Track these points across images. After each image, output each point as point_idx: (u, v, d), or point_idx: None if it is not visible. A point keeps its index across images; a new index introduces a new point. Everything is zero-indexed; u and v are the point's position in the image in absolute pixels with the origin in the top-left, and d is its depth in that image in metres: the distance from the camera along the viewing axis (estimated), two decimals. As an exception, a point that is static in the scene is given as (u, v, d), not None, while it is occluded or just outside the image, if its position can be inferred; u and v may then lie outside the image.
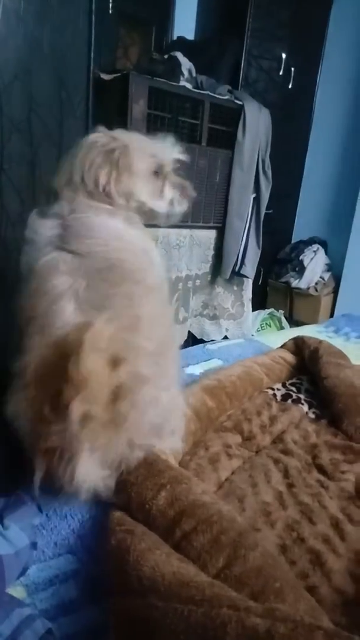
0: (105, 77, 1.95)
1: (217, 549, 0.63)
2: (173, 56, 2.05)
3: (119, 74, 1.87)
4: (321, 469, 0.95)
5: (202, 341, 2.38)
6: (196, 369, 1.31)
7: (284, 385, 1.25)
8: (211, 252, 2.36)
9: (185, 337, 2.37)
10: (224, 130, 2.18)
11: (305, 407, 1.16)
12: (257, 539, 0.65)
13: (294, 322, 2.87)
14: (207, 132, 2.12)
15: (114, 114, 1.87)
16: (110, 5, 2.28)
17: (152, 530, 0.68)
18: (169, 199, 1.03)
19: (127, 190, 0.96)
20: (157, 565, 0.58)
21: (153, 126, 1.92)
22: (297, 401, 1.18)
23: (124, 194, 0.96)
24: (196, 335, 2.43)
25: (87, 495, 0.72)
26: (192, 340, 2.42)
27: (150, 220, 1.05)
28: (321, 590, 0.65)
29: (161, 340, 0.83)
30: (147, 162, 0.99)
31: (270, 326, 2.90)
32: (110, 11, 2.32)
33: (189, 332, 2.40)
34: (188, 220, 2.15)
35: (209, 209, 2.23)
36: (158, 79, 1.89)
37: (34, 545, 0.72)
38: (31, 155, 1.68)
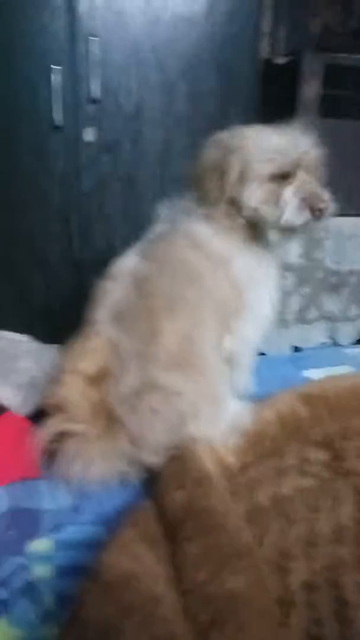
0: (280, 60, 1.89)
1: (203, 563, 0.59)
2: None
3: (293, 56, 1.78)
4: None
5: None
6: (317, 374, 1.21)
7: None
8: (395, 244, 2.07)
9: (358, 337, 2.17)
10: None
11: None
12: (252, 564, 0.59)
13: None
14: None
15: (283, 100, 1.80)
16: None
17: (161, 525, 0.68)
18: (285, 207, 0.94)
19: (233, 196, 0.94)
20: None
21: (330, 108, 1.78)
22: None
23: (227, 199, 0.95)
24: (370, 335, 2.19)
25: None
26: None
27: (269, 227, 0.98)
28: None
29: (187, 351, 0.80)
30: (264, 165, 0.94)
31: None
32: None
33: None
34: (365, 208, 1.94)
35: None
36: (339, 54, 1.74)
37: (76, 508, 0.80)
38: (193, 150, 1.75)
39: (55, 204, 1.73)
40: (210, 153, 0.99)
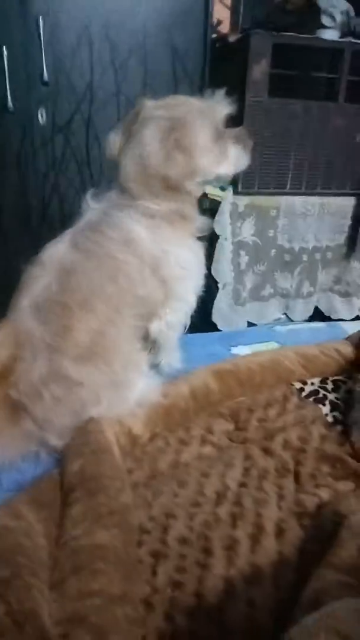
0: (231, 38, 1.90)
1: (80, 521, 0.68)
2: (312, 2, 1.85)
3: (242, 34, 1.80)
4: (297, 478, 0.88)
5: (329, 319, 2.22)
6: (243, 350, 1.29)
7: (323, 380, 1.14)
8: (347, 222, 2.13)
9: (311, 313, 2.25)
10: (371, 83, 1.91)
11: (326, 409, 1.05)
12: (123, 521, 0.68)
13: None
14: (347, 87, 1.88)
15: (232, 78, 1.82)
16: None
17: (60, 491, 0.77)
18: (234, 158, 1.03)
19: (190, 170, 0.99)
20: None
21: (277, 86, 1.81)
22: (320, 400, 1.07)
23: (185, 175, 0.99)
24: (324, 312, 2.27)
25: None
26: (321, 317, 2.27)
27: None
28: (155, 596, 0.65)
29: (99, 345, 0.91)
30: (208, 130, 0.99)
31: None
32: None
33: (317, 307, 2.26)
34: (317, 187, 2.00)
35: (345, 173, 2.01)
36: (286, 33, 1.76)
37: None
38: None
39: (13, 184, 1.77)
40: (147, 137, 1.01)
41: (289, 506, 0.81)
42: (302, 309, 2.22)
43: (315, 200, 2.04)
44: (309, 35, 1.77)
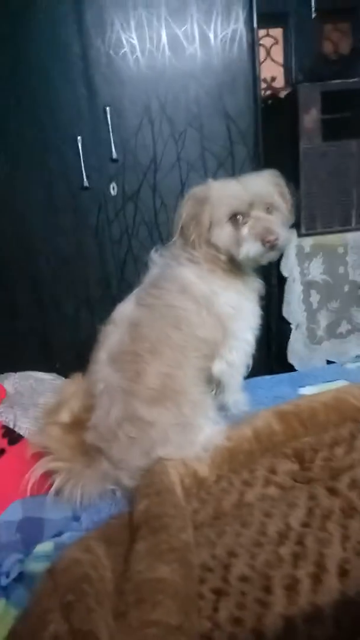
0: (282, 94, 2.01)
1: (144, 557, 0.75)
2: (355, 49, 1.92)
3: (291, 89, 1.90)
4: (364, 517, 0.87)
5: None
6: (311, 390, 1.30)
7: (393, 417, 1.12)
8: None
9: (395, 347, 2.16)
10: None
11: None
12: (182, 557, 0.73)
13: None
14: None
15: (287, 129, 1.92)
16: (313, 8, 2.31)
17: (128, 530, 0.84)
18: (243, 243, 1.09)
19: (206, 239, 1.11)
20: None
21: (330, 131, 1.87)
22: (389, 437, 1.05)
23: (204, 243, 1.12)
24: None
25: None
26: None
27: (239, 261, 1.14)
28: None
29: (168, 387, 0.99)
30: (222, 209, 1.10)
31: None
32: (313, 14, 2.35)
33: None
34: (387, 221, 1.98)
35: None
36: (332, 81, 1.83)
37: (76, 518, 0.98)
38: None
39: (92, 252, 1.98)
40: (187, 205, 1.16)
41: (354, 546, 0.80)
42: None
43: (384, 233, 2.01)
44: (356, 79, 1.82)
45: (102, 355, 1.09)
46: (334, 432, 1.09)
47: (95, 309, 2.00)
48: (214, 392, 1.21)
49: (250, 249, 1.08)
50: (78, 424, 1.00)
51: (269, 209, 1.11)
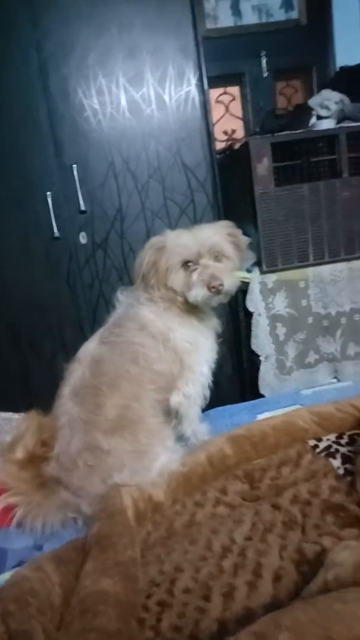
0: (236, 146, 2.18)
1: (92, 572, 0.80)
2: (299, 104, 2.11)
3: (244, 142, 2.07)
4: (303, 529, 0.94)
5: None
6: (269, 416, 1.37)
7: (339, 436, 1.19)
8: (382, 281, 2.19)
9: (363, 374, 2.25)
10: (371, 154, 2.06)
11: (337, 462, 1.09)
12: (126, 571, 0.79)
13: None
14: (348, 163, 2.05)
15: (243, 176, 2.07)
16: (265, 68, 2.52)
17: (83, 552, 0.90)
18: (192, 287, 1.20)
19: (163, 282, 1.22)
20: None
21: (283, 176, 2.02)
22: (332, 454, 1.12)
23: (162, 286, 1.22)
24: (377, 370, 2.26)
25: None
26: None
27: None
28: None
29: (125, 418, 1.07)
30: (175, 257, 1.21)
31: None
32: (264, 74, 2.57)
33: (367, 367, 2.26)
34: (340, 254, 2.11)
35: (366, 237, 2.11)
36: (280, 133, 2.00)
37: (38, 547, 1.03)
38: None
39: (65, 297, 2.08)
40: (147, 253, 1.27)
41: (290, 555, 0.86)
42: (353, 370, 2.23)
43: (342, 266, 2.13)
44: (302, 130, 1.99)
45: (66, 390, 1.17)
46: (282, 453, 1.16)
47: (71, 351, 2.07)
48: (173, 423, 1.28)
49: (198, 293, 1.18)
50: (33, 460, 1.07)
51: (218, 257, 1.22)
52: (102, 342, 1.20)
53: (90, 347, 1.22)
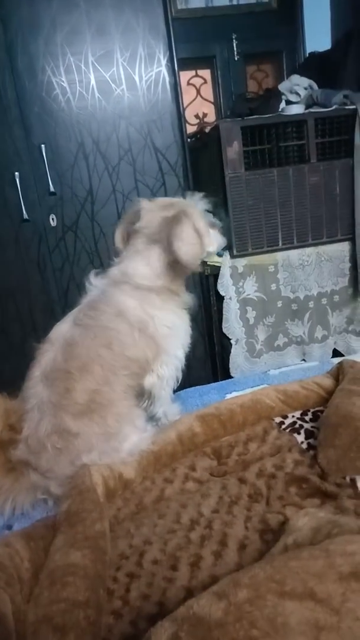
0: (207, 129, 2.18)
1: (61, 546, 0.82)
2: (269, 88, 2.12)
3: (214, 125, 2.07)
4: (267, 500, 0.97)
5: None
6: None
7: (304, 413, 1.23)
8: (347, 265, 2.24)
9: (330, 357, 2.31)
10: (338, 140, 2.09)
11: (301, 437, 1.13)
12: (94, 544, 0.80)
13: None
14: (316, 148, 2.08)
15: (214, 159, 2.08)
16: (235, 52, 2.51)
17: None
18: (215, 238, 1.32)
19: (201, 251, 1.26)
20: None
21: (253, 161, 2.04)
22: (296, 430, 1.16)
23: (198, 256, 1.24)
24: (343, 353, 2.33)
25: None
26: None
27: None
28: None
29: (95, 402, 1.07)
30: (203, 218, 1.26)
31: None
32: (235, 58, 2.56)
33: (336, 350, 2.32)
34: (308, 239, 2.14)
35: (333, 221, 2.15)
36: (250, 117, 2.01)
37: (9, 526, 1.04)
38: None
39: (35, 281, 2.06)
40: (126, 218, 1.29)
41: (255, 525, 0.89)
42: (320, 353, 2.29)
43: (310, 250, 2.18)
44: (272, 114, 2.01)
45: (36, 372, 1.16)
46: (249, 430, 1.19)
47: (41, 336, 2.06)
48: (145, 404, 1.29)
49: (221, 241, 1.33)
50: (1, 445, 1.07)
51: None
52: (76, 325, 1.17)
53: (62, 329, 1.19)
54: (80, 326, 1.16)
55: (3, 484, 1.04)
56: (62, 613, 0.68)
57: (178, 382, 1.37)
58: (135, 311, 1.19)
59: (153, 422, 1.31)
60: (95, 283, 1.27)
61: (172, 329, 1.25)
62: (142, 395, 1.28)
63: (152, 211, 1.26)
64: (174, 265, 1.22)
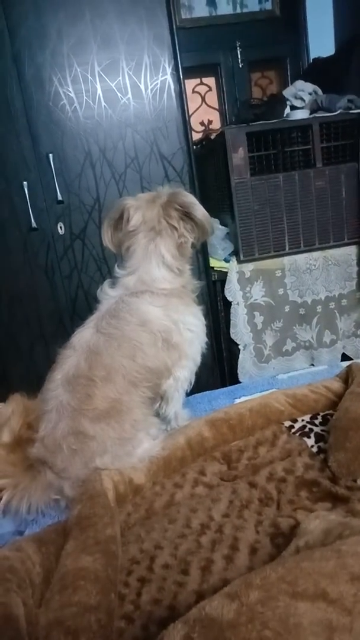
0: (212, 136, 2.20)
1: (72, 551, 0.82)
2: (274, 94, 2.13)
3: (220, 131, 2.09)
4: (278, 504, 0.96)
5: None
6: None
7: (313, 416, 1.23)
8: (355, 269, 2.24)
9: (339, 361, 2.29)
10: (343, 145, 2.10)
11: (311, 441, 1.13)
12: (106, 548, 0.80)
13: None
14: (322, 153, 2.08)
15: (221, 166, 2.09)
16: (239, 59, 2.53)
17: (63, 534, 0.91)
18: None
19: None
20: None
21: (258, 166, 2.05)
22: (306, 434, 1.15)
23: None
24: (352, 357, 2.31)
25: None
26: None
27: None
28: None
29: (114, 409, 1.08)
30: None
31: None
32: (240, 65, 2.58)
33: (344, 354, 2.31)
34: (315, 243, 2.14)
35: (340, 225, 2.15)
36: (255, 123, 2.02)
37: (20, 532, 1.04)
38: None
39: (44, 289, 2.07)
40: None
41: (265, 529, 0.89)
42: (329, 357, 2.28)
43: (317, 254, 2.18)
44: (277, 120, 2.02)
45: (58, 375, 1.15)
46: (259, 434, 1.19)
47: (49, 343, 2.08)
48: (158, 404, 1.29)
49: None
50: (20, 442, 1.07)
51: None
52: (99, 332, 1.16)
53: (85, 336, 1.17)
54: (104, 334, 1.15)
55: (21, 481, 1.04)
56: (74, 617, 0.68)
57: (191, 385, 1.36)
58: (160, 320, 1.18)
59: (163, 425, 1.31)
60: (111, 293, 1.25)
61: (195, 332, 1.25)
62: (156, 400, 1.28)
63: (141, 207, 1.25)
64: (181, 248, 1.24)
